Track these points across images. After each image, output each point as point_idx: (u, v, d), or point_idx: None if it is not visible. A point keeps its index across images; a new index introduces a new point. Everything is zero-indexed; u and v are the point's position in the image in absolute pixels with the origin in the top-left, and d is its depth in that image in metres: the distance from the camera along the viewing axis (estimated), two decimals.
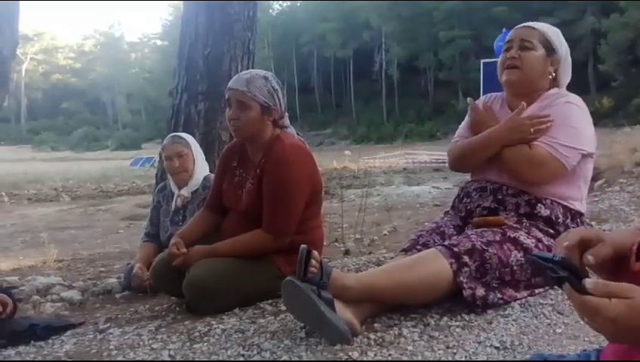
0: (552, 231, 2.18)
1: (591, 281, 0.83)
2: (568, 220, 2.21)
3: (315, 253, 1.88)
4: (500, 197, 2.25)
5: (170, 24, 63.83)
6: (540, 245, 2.11)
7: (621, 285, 0.81)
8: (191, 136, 3.34)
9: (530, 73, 2.29)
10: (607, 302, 0.79)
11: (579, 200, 2.26)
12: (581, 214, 2.28)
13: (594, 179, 6.28)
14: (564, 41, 2.36)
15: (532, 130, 2.18)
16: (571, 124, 2.19)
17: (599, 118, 32.16)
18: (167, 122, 4.57)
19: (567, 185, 2.22)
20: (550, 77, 2.32)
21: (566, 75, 2.39)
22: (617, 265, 0.97)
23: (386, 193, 9.18)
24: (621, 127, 20.01)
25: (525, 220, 2.19)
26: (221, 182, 2.60)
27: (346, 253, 3.93)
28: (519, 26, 2.38)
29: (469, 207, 2.33)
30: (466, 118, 2.49)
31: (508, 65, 2.31)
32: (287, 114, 2.50)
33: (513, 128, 2.22)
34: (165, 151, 3.21)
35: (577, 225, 2.23)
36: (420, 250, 2.19)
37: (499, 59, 2.40)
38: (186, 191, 3.16)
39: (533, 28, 2.33)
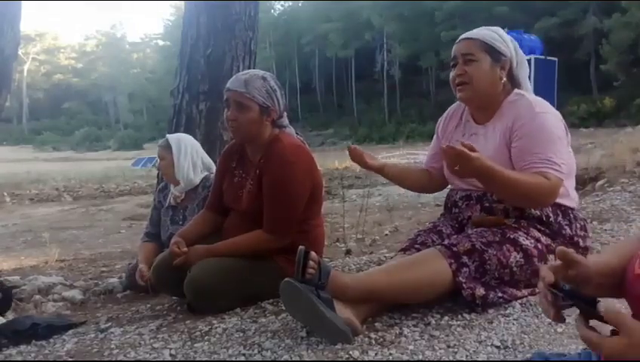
0: (548, 230, 2.17)
1: (603, 305, 0.87)
2: (560, 217, 2.20)
3: (313, 253, 1.88)
4: (487, 204, 2.22)
5: (171, 24, 63.82)
6: (539, 245, 2.11)
7: (626, 322, 0.86)
8: (180, 138, 3.29)
9: (480, 86, 2.21)
10: (608, 340, 0.86)
11: (566, 196, 2.22)
12: (572, 209, 2.26)
13: (595, 179, 6.27)
14: (508, 38, 2.27)
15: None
16: (557, 136, 2.11)
17: (601, 118, 32.09)
18: (168, 122, 4.58)
19: None
20: (502, 81, 2.23)
21: (523, 70, 2.30)
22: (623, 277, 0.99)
23: (387, 193, 9.17)
24: (623, 127, 19.98)
25: (524, 220, 2.18)
26: (221, 182, 2.60)
27: (348, 252, 3.93)
28: (458, 39, 2.30)
29: (459, 218, 2.32)
30: (431, 143, 2.53)
31: (457, 83, 2.24)
32: (285, 113, 2.50)
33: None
34: None
35: (570, 222, 2.22)
36: (418, 249, 2.19)
37: (450, 78, 2.30)
38: (177, 191, 3.19)
39: (472, 38, 2.24)
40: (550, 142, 2.08)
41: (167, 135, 3.39)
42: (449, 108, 2.51)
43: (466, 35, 2.28)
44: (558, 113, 2.22)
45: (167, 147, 3.19)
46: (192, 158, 3.18)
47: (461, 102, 2.34)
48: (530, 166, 2.05)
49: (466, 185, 2.29)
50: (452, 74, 2.28)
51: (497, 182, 1.96)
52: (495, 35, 2.24)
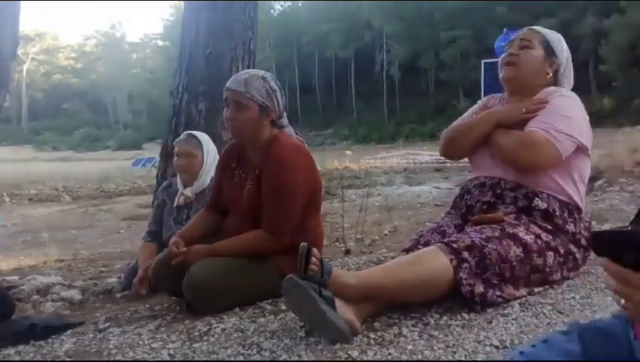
0: (550, 226, 2.19)
1: None
2: (566, 214, 2.23)
3: (315, 250, 1.87)
4: (499, 191, 2.28)
5: (171, 24, 63.83)
6: (538, 241, 2.13)
7: None
8: (208, 138, 3.27)
9: (526, 70, 2.35)
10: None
11: (576, 195, 2.28)
12: (579, 210, 2.29)
13: (594, 179, 6.28)
14: (566, 47, 2.41)
15: (524, 109, 2.27)
16: (565, 114, 2.23)
17: (600, 118, 32.11)
18: (168, 122, 4.58)
19: (561, 178, 2.25)
20: (547, 77, 2.36)
21: (567, 82, 2.43)
22: None
23: (386, 193, 9.18)
24: (622, 126, 20.00)
25: (524, 216, 2.20)
26: (221, 182, 2.60)
27: (347, 252, 3.93)
28: (524, 29, 2.47)
29: (469, 203, 2.36)
30: (465, 114, 2.57)
31: (507, 62, 2.38)
32: (285, 113, 2.50)
33: (507, 109, 2.35)
34: (177, 146, 3.21)
35: (575, 220, 2.24)
36: None
37: (500, 59, 2.45)
38: (189, 192, 3.14)
39: (536, 30, 2.40)
40: (555, 115, 2.21)
41: (191, 131, 3.34)
42: (487, 97, 2.65)
43: (533, 27, 2.46)
44: (581, 105, 2.33)
45: (198, 144, 3.14)
46: (214, 160, 3.16)
47: (504, 81, 2.43)
48: (526, 128, 2.22)
49: (492, 172, 2.34)
50: (503, 56, 2.43)
51: (479, 120, 2.36)
52: (556, 38, 2.40)
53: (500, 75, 2.42)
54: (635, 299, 0.82)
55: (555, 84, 2.40)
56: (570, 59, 2.45)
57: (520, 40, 2.38)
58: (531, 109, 2.26)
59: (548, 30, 2.44)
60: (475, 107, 2.59)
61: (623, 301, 0.85)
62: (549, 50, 2.36)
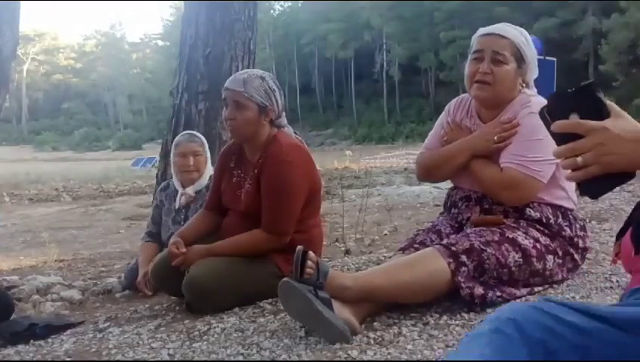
0: (547, 231, 2.17)
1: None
2: (560, 219, 2.20)
3: (312, 253, 1.88)
4: (487, 206, 2.23)
5: (171, 24, 63.83)
6: (537, 245, 2.11)
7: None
8: (203, 137, 3.31)
9: (501, 90, 2.19)
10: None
11: (565, 198, 2.24)
12: (571, 210, 2.27)
13: None
14: (531, 42, 2.25)
15: (496, 138, 2.17)
16: (538, 137, 2.09)
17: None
18: (168, 122, 4.59)
19: (548, 188, 2.19)
20: (520, 87, 2.23)
21: (532, 75, 2.29)
22: None
23: (386, 193, 9.16)
24: None
25: (523, 220, 2.18)
26: (219, 182, 2.60)
27: (347, 252, 3.93)
28: (488, 32, 2.22)
29: (458, 219, 2.32)
30: (434, 129, 2.47)
31: (478, 80, 2.20)
32: (284, 113, 2.50)
33: (479, 136, 2.24)
34: (180, 147, 3.17)
35: (570, 223, 2.22)
36: (417, 249, 2.18)
37: (467, 69, 2.26)
38: (191, 190, 3.14)
39: (504, 37, 2.17)
40: (528, 142, 2.12)
41: (189, 131, 3.37)
42: (455, 100, 2.48)
43: (498, 32, 2.19)
44: None
45: (201, 143, 3.17)
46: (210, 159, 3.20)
47: (475, 99, 2.30)
48: (501, 162, 2.15)
49: (468, 185, 2.30)
50: (470, 66, 2.23)
51: (453, 151, 2.27)
52: (524, 39, 2.20)
53: (471, 92, 2.26)
54: (588, 145, 0.86)
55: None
56: (535, 52, 2.28)
57: (492, 52, 2.15)
58: (503, 137, 2.15)
59: (514, 31, 2.20)
60: (442, 117, 2.46)
61: (569, 171, 0.88)
62: (520, 60, 2.18)
